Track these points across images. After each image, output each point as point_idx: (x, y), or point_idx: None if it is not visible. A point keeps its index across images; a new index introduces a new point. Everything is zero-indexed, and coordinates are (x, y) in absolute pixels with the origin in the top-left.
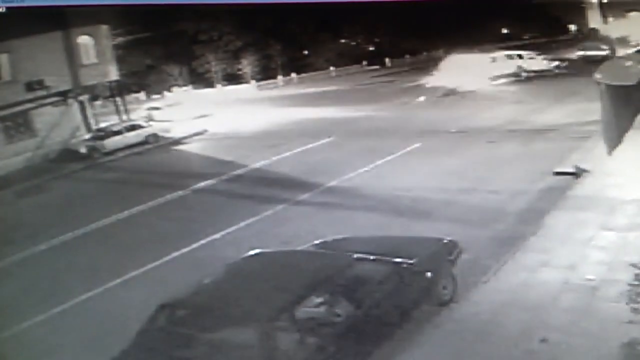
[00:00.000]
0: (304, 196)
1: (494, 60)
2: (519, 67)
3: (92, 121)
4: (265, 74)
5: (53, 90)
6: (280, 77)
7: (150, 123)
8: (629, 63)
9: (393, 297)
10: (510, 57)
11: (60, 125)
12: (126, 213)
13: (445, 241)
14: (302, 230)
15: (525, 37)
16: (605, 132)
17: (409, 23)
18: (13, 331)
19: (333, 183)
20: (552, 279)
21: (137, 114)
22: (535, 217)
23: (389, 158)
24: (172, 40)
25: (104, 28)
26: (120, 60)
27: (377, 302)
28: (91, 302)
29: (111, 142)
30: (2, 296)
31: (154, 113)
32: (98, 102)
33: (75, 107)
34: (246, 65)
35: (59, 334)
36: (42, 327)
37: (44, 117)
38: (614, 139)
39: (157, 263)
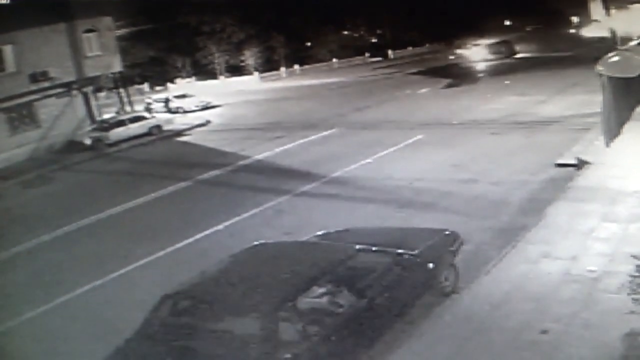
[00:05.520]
0: (307, 187)
1: None
2: None
3: (96, 112)
4: (268, 65)
5: (57, 82)
6: (283, 69)
7: (154, 114)
8: (630, 55)
9: (395, 288)
10: None
11: (64, 116)
12: (130, 204)
13: (447, 232)
14: (305, 221)
15: (527, 29)
16: (604, 124)
17: (411, 15)
18: (19, 320)
19: (336, 174)
20: (554, 270)
21: (145, 106)
22: (537, 208)
23: (391, 149)
24: (176, 32)
25: (108, 20)
26: (123, 52)
27: (379, 293)
28: (94, 292)
29: (115, 134)
30: (9, 285)
31: (156, 105)
32: (102, 94)
33: (79, 98)
34: (249, 57)
35: (63, 322)
36: (46, 316)
37: (48, 108)
38: (613, 131)
39: (160, 254)
